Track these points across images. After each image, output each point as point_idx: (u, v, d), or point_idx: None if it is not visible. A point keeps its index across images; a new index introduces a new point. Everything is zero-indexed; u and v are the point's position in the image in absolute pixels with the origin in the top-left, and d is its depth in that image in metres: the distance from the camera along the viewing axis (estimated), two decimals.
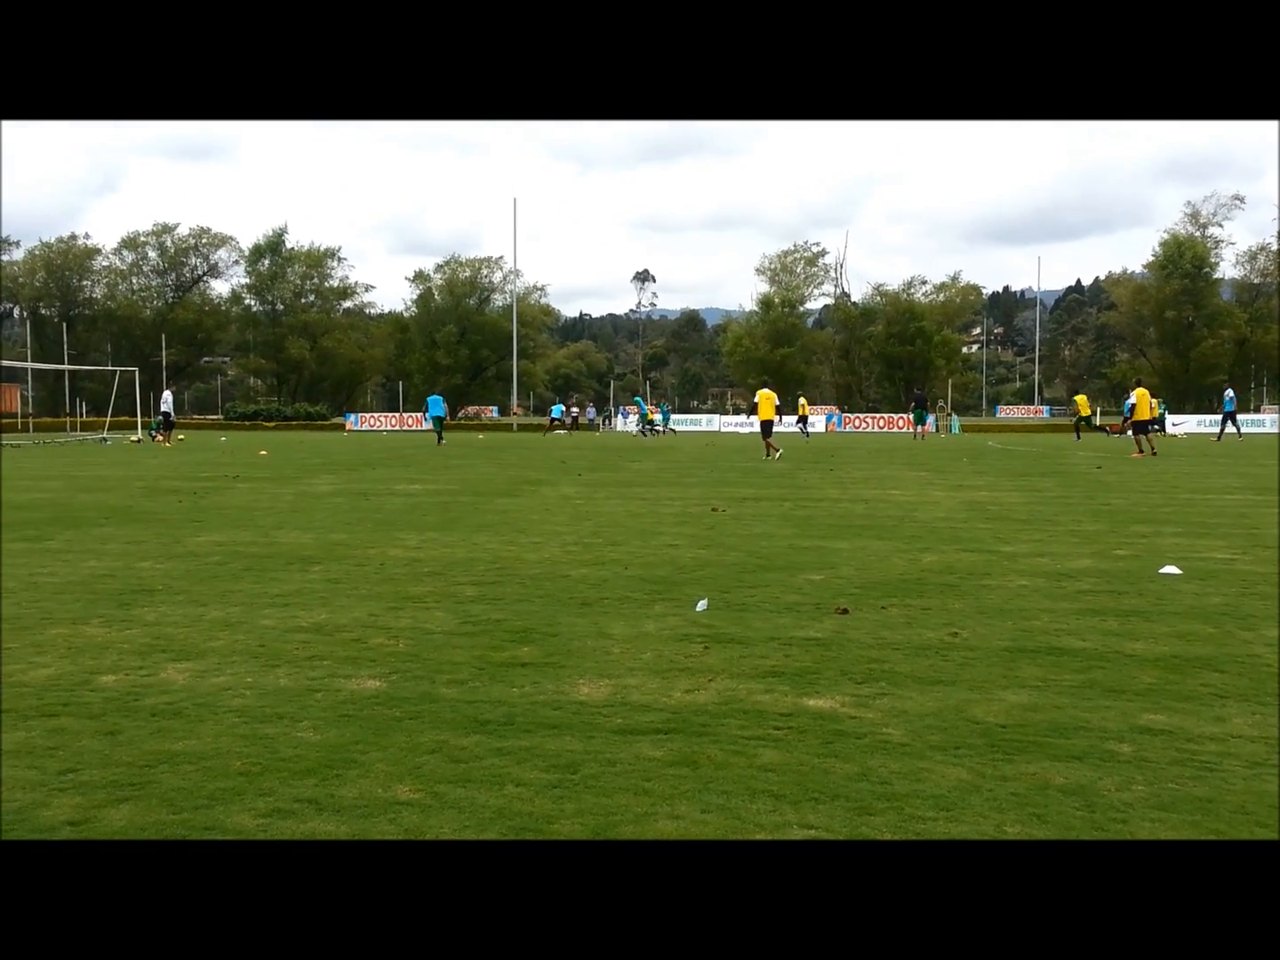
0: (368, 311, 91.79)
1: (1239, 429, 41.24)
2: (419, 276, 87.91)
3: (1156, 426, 44.37)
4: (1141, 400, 27.64)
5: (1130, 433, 28.92)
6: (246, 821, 3.65)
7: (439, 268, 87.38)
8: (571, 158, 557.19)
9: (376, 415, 71.41)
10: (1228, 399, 41.32)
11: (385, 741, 4.52)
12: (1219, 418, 44.84)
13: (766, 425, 26.67)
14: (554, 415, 57.02)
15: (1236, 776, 4.08)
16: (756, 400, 27.06)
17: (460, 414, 74.26)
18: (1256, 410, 77.88)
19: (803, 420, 48.97)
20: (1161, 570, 8.69)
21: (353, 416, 67.97)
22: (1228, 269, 78.87)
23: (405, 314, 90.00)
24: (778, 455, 26.46)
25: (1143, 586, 8.05)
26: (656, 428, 52.82)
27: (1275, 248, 76.13)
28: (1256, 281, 77.76)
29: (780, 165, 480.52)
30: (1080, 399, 43.75)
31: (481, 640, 6.34)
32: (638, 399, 56.93)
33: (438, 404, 38.01)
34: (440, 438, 37.89)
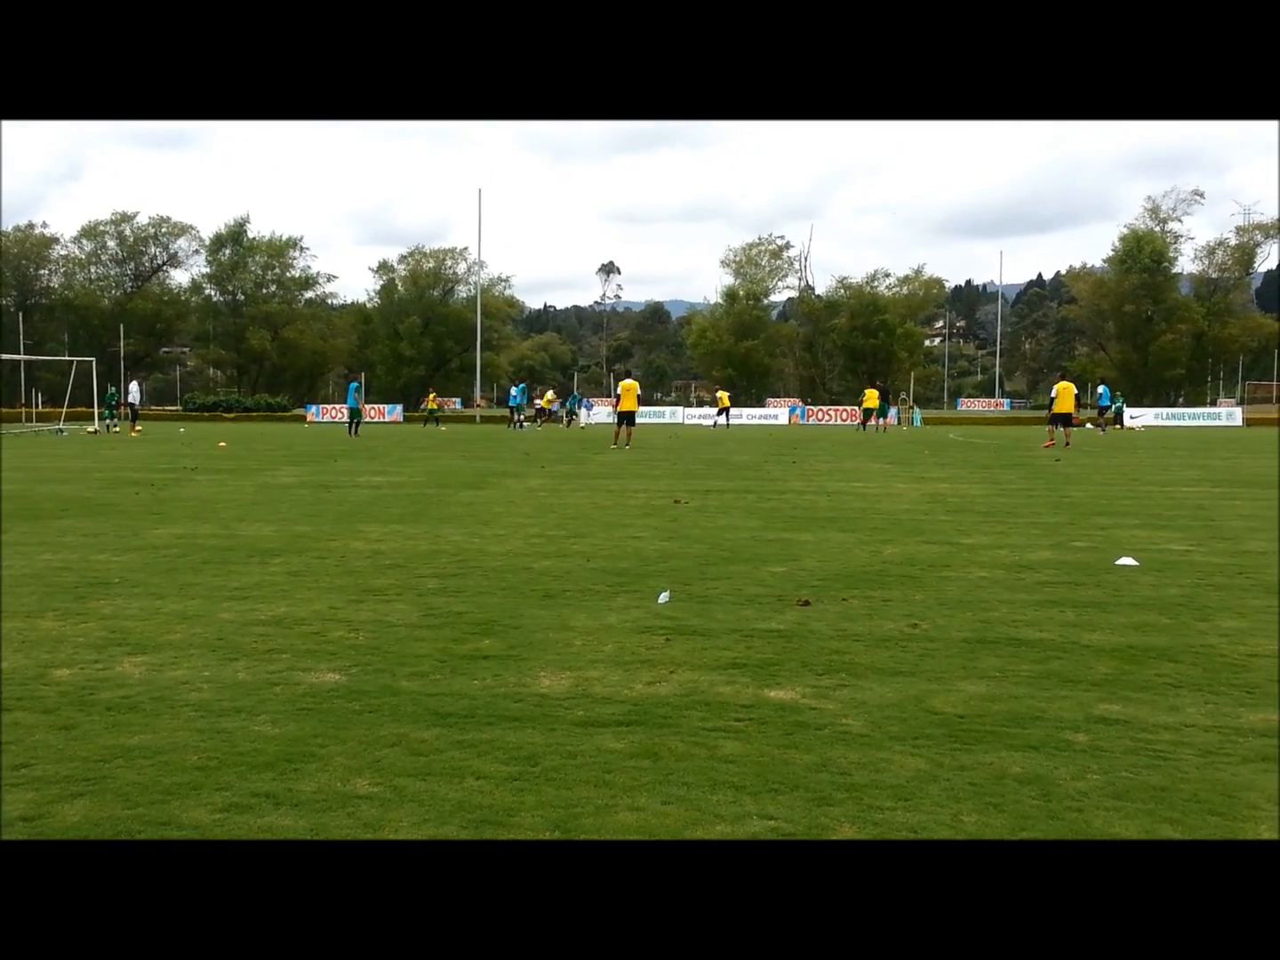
0: (330, 302, 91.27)
1: (1103, 427, 41.61)
2: (382, 267, 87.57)
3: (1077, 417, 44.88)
4: (1062, 393, 28.61)
5: (1050, 425, 29.80)
6: (203, 816, 3.62)
7: (403, 258, 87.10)
8: (545, 149, 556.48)
9: (339, 407, 70.68)
10: (1103, 393, 41.97)
11: (345, 735, 4.49)
12: (1113, 410, 45.72)
13: (629, 415, 27.55)
14: (511, 403, 50.56)
15: (1190, 765, 4.14)
16: (620, 392, 27.91)
17: (421, 405, 73.80)
18: (1213, 404, 78.95)
19: (724, 412, 52.70)
20: (1119, 561, 8.79)
21: (314, 408, 67.32)
22: (1186, 264, 79.90)
23: (368, 305, 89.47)
24: (626, 446, 27.32)
25: (1100, 578, 8.14)
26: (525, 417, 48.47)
27: (1234, 242, 77.07)
28: (1214, 276, 78.70)
29: (755, 157, 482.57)
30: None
31: (443, 633, 6.32)
32: (520, 386, 50.94)
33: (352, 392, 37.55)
34: (351, 429, 36.55)
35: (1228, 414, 59.79)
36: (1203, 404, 77.10)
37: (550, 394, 55.11)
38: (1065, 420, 28.67)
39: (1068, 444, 28.21)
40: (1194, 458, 24.43)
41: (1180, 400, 76.18)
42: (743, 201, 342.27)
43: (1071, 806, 3.73)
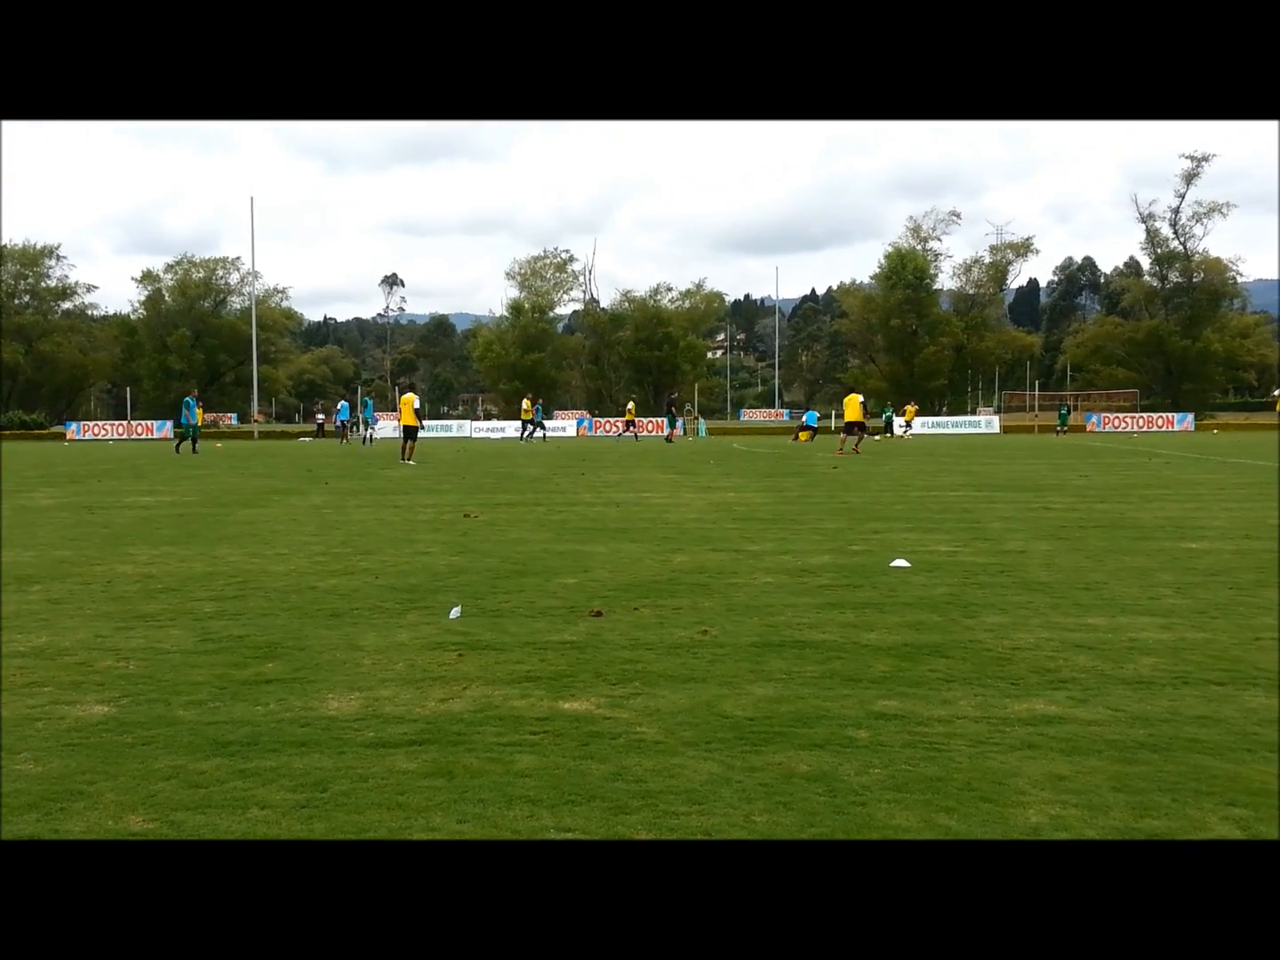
0: (91, 313, 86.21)
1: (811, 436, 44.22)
2: (147, 277, 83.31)
3: (884, 429, 47.81)
4: (849, 404, 30.82)
5: (843, 434, 31.68)
6: None
7: (170, 268, 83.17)
8: (318, 156, 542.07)
9: (102, 424, 66.90)
10: (810, 414, 44.73)
11: (115, 770, 4.23)
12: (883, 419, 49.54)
13: (412, 430, 27.80)
14: (340, 418, 49.68)
15: (962, 755, 4.36)
16: (401, 406, 28.60)
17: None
18: (973, 412, 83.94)
19: (631, 424, 50.96)
20: (893, 564, 9.21)
21: (74, 425, 63.40)
22: (946, 280, 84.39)
23: (133, 316, 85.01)
24: (409, 460, 27.23)
25: (876, 580, 8.51)
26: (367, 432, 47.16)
27: (988, 260, 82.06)
28: (971, 292, 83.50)
29: (536, 170, 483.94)
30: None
31: (222, 658, 6.04)
32: (349, 403, 51.30)
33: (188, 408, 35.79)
34: (179, 446, 35.17)
35: (986, 422, 63.76)
36: (964, 412, 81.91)
37: (526, 403, 51.03)
38: (856, 428, 30.43)
39: (857, 450, 29.73)
40: (957, 464, 25.88)
41: (943, 409, 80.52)
42: (526, 215, 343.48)
43: (855, 801, 3.87)
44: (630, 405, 53.85)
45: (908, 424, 53.20)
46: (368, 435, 45.83)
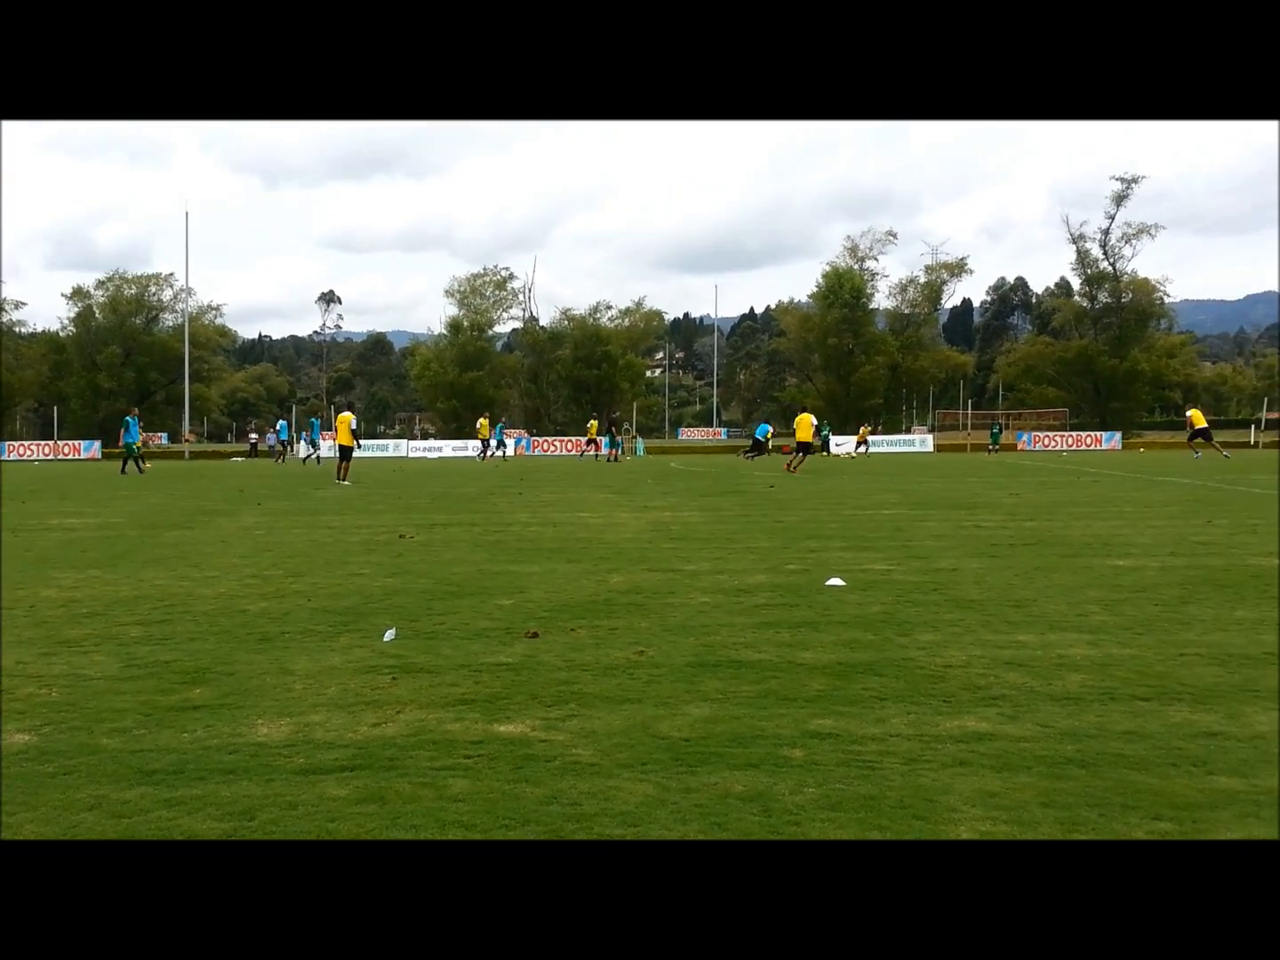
0: (18, 330, 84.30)
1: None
2: (77, 293, 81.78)
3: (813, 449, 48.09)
4: (800, 424, 31.34)
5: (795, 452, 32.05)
6: None
7: (100, 284, 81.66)
8: (254, 171, 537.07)
9: (28, 444, 65.38)
10: (762, 426, 45.24)
11: (36, 800, 4.12)
12: (820, 439, 50.19)
13: (348, 450, 27.98)
14: (280, 437, 50.27)
15: (895, 773, 4.39)
16: (337, 425, 29.12)
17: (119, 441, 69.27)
18: (908, 430, 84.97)
19: (591, 442, 50.53)
20: (828, 582, 9.27)
21: None
22: (882, 300, 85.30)
23: (62, 334, 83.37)
24: (344, 481, 27.42)
25: (812, 598, 8.55)
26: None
27: (923, 280, 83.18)
28: (907, 312, 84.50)
29: (475, 188, 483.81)
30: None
31: (148, 684, 5.92)
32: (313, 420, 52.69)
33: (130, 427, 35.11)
34: (125, 466, 34.60)
35: (921, 440, 64.53)
36: (898, 431, 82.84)
37: (482, 423, 50.91)
38: (805, 448, 30.70)
39: (796, 468, 30.02)
40: (892, 482, 26.16)
41: (879, 428, 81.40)
42: (464, 231, 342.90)
43: (790, 820, 3.87)
44: (592, 424, 53.77)
45: (862, 444, 53.68)
46: (315, 456, 45.16)
